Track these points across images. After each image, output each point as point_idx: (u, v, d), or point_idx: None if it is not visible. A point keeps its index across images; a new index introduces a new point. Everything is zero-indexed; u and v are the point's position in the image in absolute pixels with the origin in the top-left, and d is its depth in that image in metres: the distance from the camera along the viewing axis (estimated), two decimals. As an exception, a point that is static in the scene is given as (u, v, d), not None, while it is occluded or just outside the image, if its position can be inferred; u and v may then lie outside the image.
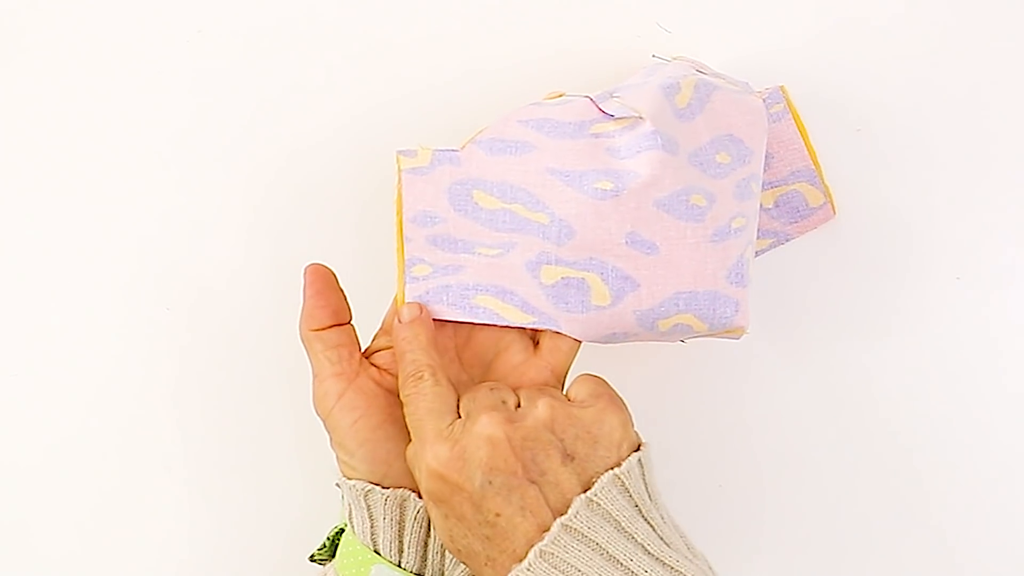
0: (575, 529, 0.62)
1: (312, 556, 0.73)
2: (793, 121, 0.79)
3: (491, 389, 0.67)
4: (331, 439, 0.71)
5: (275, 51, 0.82)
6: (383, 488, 0.69)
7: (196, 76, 0.82)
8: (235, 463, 0.83)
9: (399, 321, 0.70)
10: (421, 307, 0.71)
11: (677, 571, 0.62)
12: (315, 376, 0.71)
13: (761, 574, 0.84)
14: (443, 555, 0.70)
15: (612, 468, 0.63)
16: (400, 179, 0.71)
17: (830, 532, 0.84)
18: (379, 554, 0.69)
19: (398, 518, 0.69)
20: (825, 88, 0.82)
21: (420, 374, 0.68)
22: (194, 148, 0.82)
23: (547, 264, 0.71)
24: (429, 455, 0.64)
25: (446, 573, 0.70)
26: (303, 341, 0.71)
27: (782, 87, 0.80)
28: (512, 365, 0.72)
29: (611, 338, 0.73)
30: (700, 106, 0.73)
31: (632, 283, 0.71)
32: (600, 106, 0.72)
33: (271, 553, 0.79)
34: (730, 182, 0.73)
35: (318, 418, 0.71)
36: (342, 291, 0.72)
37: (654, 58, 0.78)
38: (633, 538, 0.62)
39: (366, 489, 0.69)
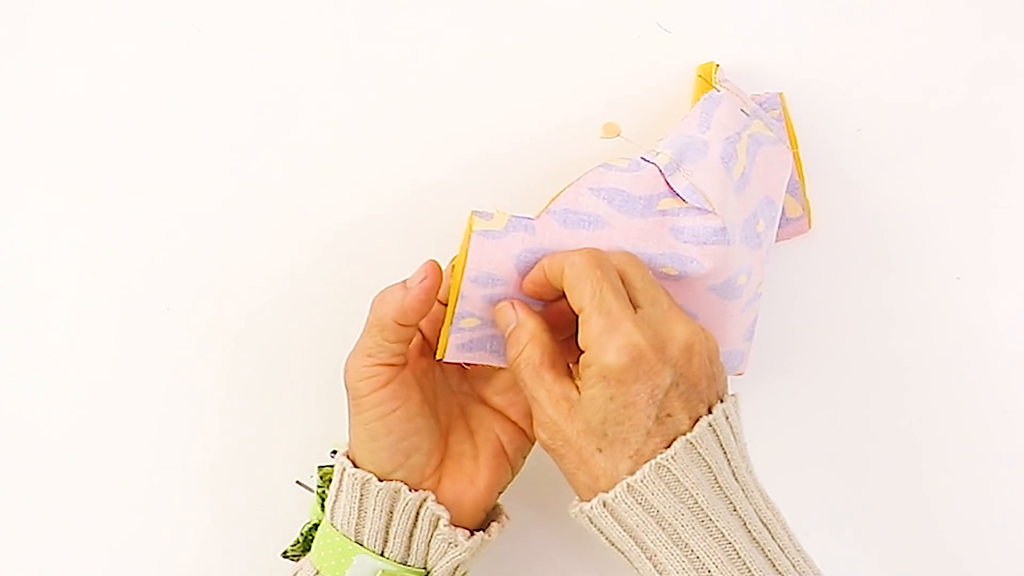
0: (718, 432, 0.66)
1: (285, 552, 0.75)
2: (786, 130, 0.80)
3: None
4: (356, 420, 0.71)
5: (276, 51, 0.82)
6: (379, 480, 0.70)
7: (196, 76, 0.82)
8: (235, 463, 0.83)
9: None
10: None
11: (762, 493, 0.68)
12: (368, 356, 0.71)
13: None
14: (428, 545, 0.71)
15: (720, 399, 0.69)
16: (469, 239, 0.71)
17: (829, 532, 0.84)
18: (361, 545, 0.70)
19: (388, 509, 0.70)
20: (825, 88, 0.82)
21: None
22: (194, 148, 0.82)
23: None
24: (636, 332, 0.65)
25: (429, 561, 0.71)
26: (376, 320, 0.70)
27: (781, 94, 0.80)
28: (510, 381, 0.75)
29: None
30: (751, 170, 0.75)
31: None
32: (668, 180, 0.73)
33: (272, 551, 0.78)
34: (763, 250, 0.76)
35: (348, 399, 0.72)
36: (437, 299, 0.72)
37: (713, 90, 0.77)
38: (742, 459, 0.68)
39: (364, 479, 0.70)
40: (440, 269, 0.71)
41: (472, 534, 0.72)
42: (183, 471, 0.83)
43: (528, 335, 0.68)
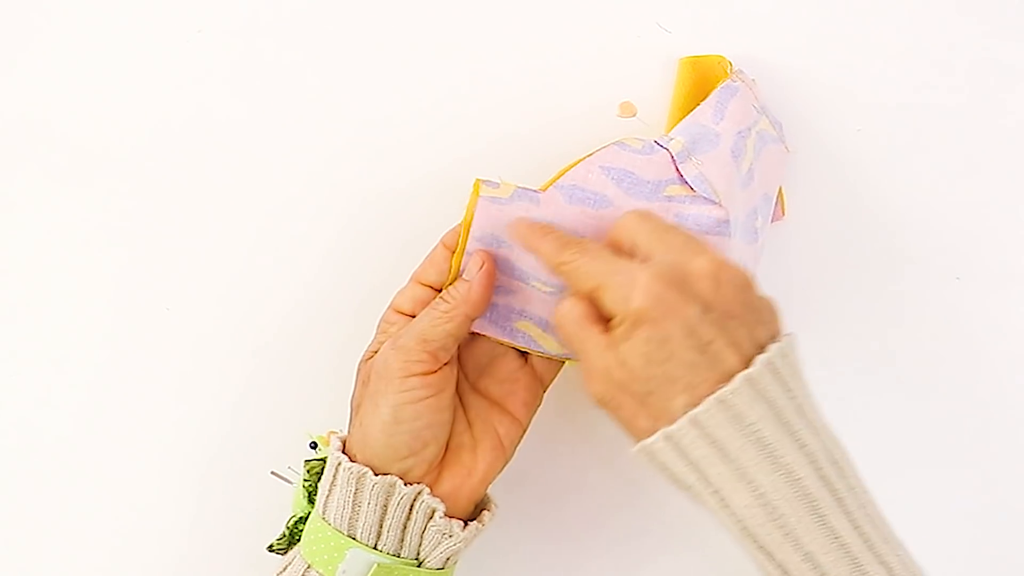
0: (776, 370, 0.65)
1: (271, 546, 0.75)
2: None
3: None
4: (383, 401, 0.71)
5: (275, 51, 0.82)
6: (374, 475, 0.70)
7: (196, 76, 0.82)
8: (234, 463, 0.83)
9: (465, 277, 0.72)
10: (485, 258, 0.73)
11: (829, 430, 0.67)
12: (423, 340, 0.71)
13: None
14: (422, 536, 0.71)
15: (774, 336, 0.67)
16: (475, 203, 0.72)
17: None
18: (354, 539, 0.70)
19: (382, 503, 0.70)
20: (825, 88, 0.82)
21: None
22: (194, 148, 0.82)
23: None
24: (648, 274, 0.65)
25: (422, 552, 0.71)
26: (444, 313, 0.71)
27: (753, 80, 0.80)
28: (508, 371, 0.76)
29: None
30: (755, 167, 0.76)
31: None
32: (679, 167, 0.74)
33: (258, 545, 0.78)
34: (759, 245, 0.77)
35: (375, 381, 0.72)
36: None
37: (730, 80, 0.77)
38: (806, 398, 0.67)
39: (360, 473, 0.70)
40: (491, 256, 0.72)
41: (466, 524, 0.72)
42: (180, 468, 0.83)
43: (573, 293, 0.69)
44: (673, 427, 0.64)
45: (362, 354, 0.74)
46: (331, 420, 0.76)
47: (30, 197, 0.82)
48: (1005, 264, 0.83)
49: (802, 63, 0.82)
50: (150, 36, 0.82)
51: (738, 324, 0.65)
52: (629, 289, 0.65)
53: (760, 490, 0.64)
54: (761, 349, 0.65)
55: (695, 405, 0.64)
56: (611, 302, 0.66)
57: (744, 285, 0.66)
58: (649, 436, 0.65)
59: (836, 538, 0.64)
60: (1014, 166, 0.83)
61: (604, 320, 0.67)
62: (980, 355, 0.84)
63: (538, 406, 0.76)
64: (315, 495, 0.73)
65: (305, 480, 0.74)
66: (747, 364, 0.64)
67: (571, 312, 0.68)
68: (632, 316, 0.65)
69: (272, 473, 0.76)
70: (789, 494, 0.64)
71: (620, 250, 0.69)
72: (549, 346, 0.75)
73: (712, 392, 0.64)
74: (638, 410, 0.66)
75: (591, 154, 0.74)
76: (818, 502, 0.64)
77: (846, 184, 0.82)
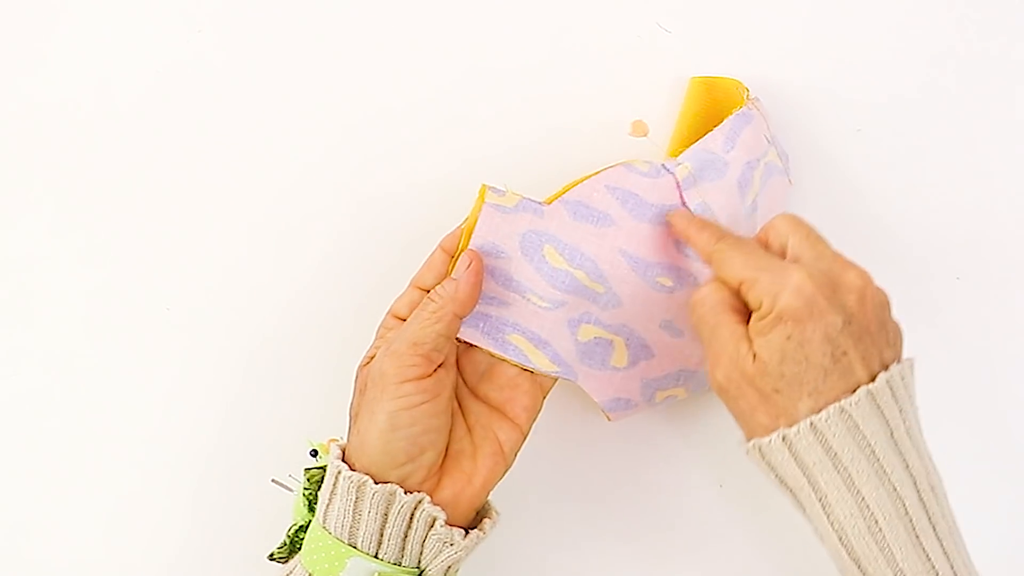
0: (894, 390, 0.67)
1: (272, 555, 0.75)
2: None
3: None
4: (379, 408, 0.70)
5: (275, 51, 0.82)
6: (375, 483, 0.70)
7: (196, 76, 0.82)
8: (234, 468, 0.82)
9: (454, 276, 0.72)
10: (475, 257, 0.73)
11: (930, 456, 0.69)
12: (415, 344, 0.71)
13: (762, 574, 0.84)
14: (422, 544, 0.71)
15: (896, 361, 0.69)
16: (480, 209, 0.72)
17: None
18: (355, 547, 0.70)
19: (383, 511, 0.70)
20: (825, 88, 0.82)
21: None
22: (193, 147, 0.82)
23: (586, 323, 0.75)
24: (804, 275, 0.67)
25: (423, 561, 0.71)
26: (432, 314, 0.72)
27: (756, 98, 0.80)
28: (507, 377, 0.75)
29: (612, 404, 0.77)
30: (760, 199, 0.77)
31: (648, 353, 0.76)
32: (683, 193, 0.74)
33: (261, 553, 0.78)
34: None
35: (375, 383, 0.71)
36: None
37: (745, 107, 0.77)
38: (915, 422, 0.69)
39: (360, 481, 0.70)
40: (480, 255, 0.73)
41: (467, 532, 0.72)
42: (179, 471, 0.83)
43: (717, 279, 0.70)
44: (791, 429, 0.66)
45: (360, 359, 0.74)
46: (332, 424, 0.75)
47: (30, 197, 0.82)
48: (1005, 264, 0.83)
49: (802, 63, 0.82)
50: (150, 36, 0.82)
51: (871, 341, 0.67)
52: (780, 286, 0.67)
53: (865, 502, 0.66)
54: (884, 369, 0.67)
55: (818, 411, 0.66)
56: (758, 295, 0.68)
57: (884, 305, 0.69)
58: (766, 433, 0.67)
59: (927, 560, 0.66)
60: (1014, 166, 0.83)
61: (742, 311, 0.69)
62: (980, 355, 0.84)
63: (538, 412, 0.76)
64: (315, 503, 0.73)
65: (305, 488, 0.73)
66: (871, 380, 0.66)
67: (711, 296, 0.69)
68: (777, 312, 0.67)
69: (273, 481, 0.76)
70: (891, 510, 0.66)
71: (768, 249, 0.71)
72: (539, 362, 0.75)
73: (836, 401, 0.66)
74: (759, 405, 0.67)
75: (598, 172, 0.74)
76: (915, 523, 0.66)
77: (846, 184, 0.82)
